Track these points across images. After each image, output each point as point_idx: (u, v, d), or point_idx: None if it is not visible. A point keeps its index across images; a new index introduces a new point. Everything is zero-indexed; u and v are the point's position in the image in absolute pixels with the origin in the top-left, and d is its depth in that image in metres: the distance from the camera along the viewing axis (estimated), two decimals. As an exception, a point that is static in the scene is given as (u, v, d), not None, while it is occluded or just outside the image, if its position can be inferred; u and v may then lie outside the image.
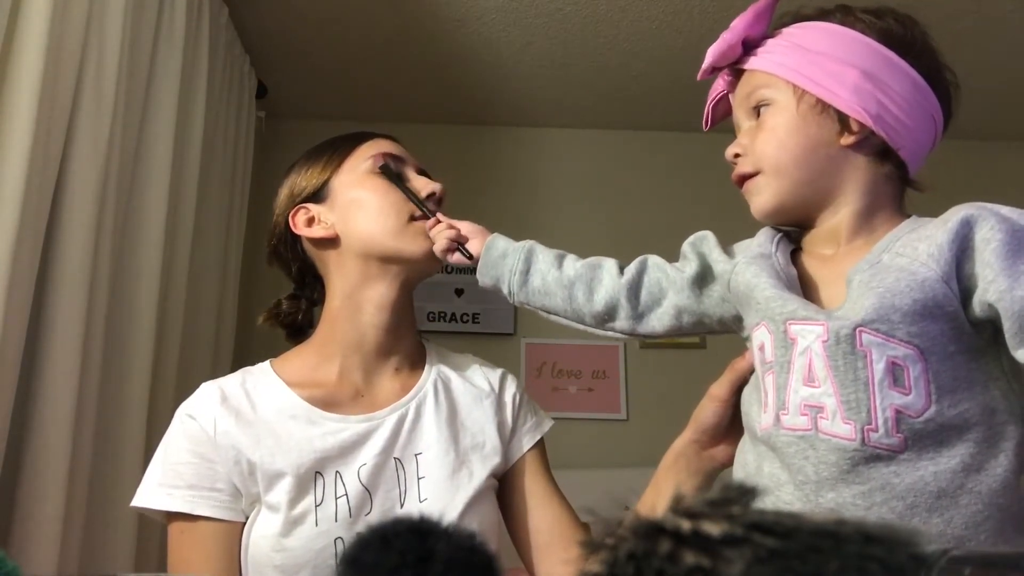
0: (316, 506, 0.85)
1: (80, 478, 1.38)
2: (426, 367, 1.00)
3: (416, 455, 0.92)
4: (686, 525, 0.28)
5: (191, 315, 1.90)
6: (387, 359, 0.97)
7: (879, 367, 0.63)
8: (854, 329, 0.64)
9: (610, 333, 0.84)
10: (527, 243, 0.88)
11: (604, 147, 3.00)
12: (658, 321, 0.82)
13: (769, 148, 0.74)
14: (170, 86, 1.76)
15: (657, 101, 2.77)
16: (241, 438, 0.86)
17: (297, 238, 0.99)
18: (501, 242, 0.89)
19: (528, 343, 2.79)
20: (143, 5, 1.63)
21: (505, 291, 0.87)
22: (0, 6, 1.20)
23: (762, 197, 0.75)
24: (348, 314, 0.95)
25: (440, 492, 0.90)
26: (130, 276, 1.62)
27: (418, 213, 0.95)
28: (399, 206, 0.95)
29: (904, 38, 0.73)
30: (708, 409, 0.83)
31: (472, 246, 0.90)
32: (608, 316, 0.83)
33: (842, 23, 0.73)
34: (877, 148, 0.72)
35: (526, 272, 0.86)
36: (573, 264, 0.85)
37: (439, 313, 2.77)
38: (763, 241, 0.78)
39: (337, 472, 0.87)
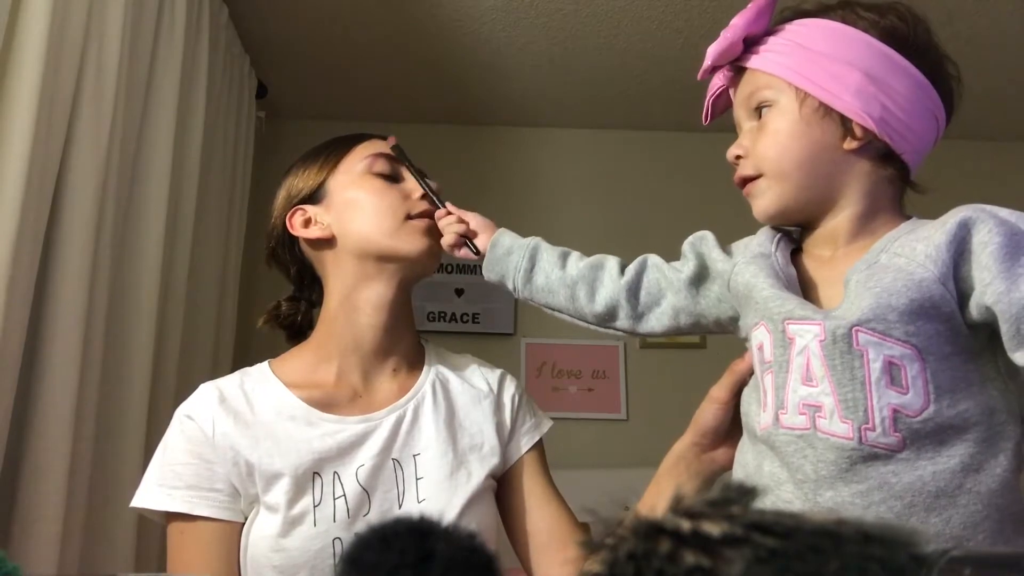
0: (314, 507, 0.85)
1: (80, 478, 1.38)
2: (424, 368, 1.00)
3: (414, 456, 0.92)
4: (686, 525, 0.28)
5: (191, 315, 1.90)
6: (385, 360, 0.97)
7: (876, 366, 0.63)
8: (850, 328, 0.64)
9: (611, 332, 0.85)
10: (532, 240, 0.88)
11: (604, 147, 3.00)
12: (657, 321, 0.82)
13: (771, 152, 0.73)
14: (170, 86, 1.76)
15: (657, 101, 2.77)
16: (239, 439, 0.86)
17: (295, 240, 0.99)
18: (507, 238, 0.89)
19: (528, 343, 2.79)
20: (143, 5, 1.63)
21: (510, 287, 0.88)
22: (0, 6, 1.20)
23: (764, 200, 0.75)
24: (346, 315, 0.95)
25: (438, 492, 0.90)
26: (130, 276, 1.62)
27: (414, 212, 0.95)
28: (395, 205, 0.95)
29: (907, 36, 0.72)
30: (708, 411, 0.83)
31: (479, 241, 0.90)
32: (609, 316, 0.83)
33: (844, 20, 0.72)
34: (879, 151, 0.72)
35: (530, 270, 0.86)
36: (576, 263, 0.85)
37: (439, 313, 2.77)
38: (763, 241, 0.78)
39: (335, 473, 0.87)
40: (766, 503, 0.31)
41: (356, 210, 0.95)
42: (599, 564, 0.29)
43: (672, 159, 2.97)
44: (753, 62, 0.76)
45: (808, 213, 0.75)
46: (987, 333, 0.64)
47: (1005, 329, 0.60)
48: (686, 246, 0.83)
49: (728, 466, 0.83)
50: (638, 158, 2.99)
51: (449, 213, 0.92)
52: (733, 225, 0.83)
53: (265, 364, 0.97)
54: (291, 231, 0.98)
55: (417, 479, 0.90)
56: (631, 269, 0.84)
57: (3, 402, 1.19)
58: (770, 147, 0.74)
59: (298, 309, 1.03)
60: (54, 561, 1.26)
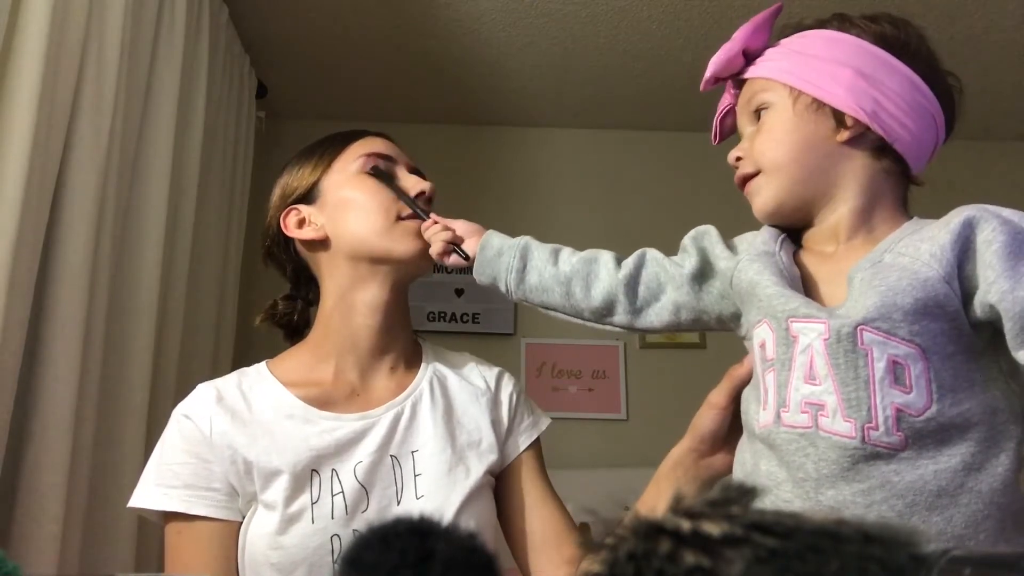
0: (312, 503, 0.85)
1: (80, 478, 1.38)
2: (422, 365, 1.00)
3: (413, 452, 0.92)
4: (686, 525, 0.28)
5: (191, 315, 1.91)
6: (382, 358, 0.97)
7: (880, 365, 0.63)
8: (855, 327, 0.64)
9: (608, 328, 0.85)
10: (522, 240, 0.88)
11: (604, 147, 3.00)
12: (656, 316, 0.82)
13: (767, 147, 0.76)
14: (170, 86, 1.76)
15: (657, 101, 2.77)
16: (237, 437, 0.86)
17: (290, 239, 0.99)
18: (496, 240, 0.88)
19: (528, 343, 2.79)
20: (143, 5, 1.63)
21: (503, 289, 0.87)
22: (0, 6, 1.20)
23: (762, 196, 0.77)
24: (341, 315, 0.95)
25: (437, 489, 0.90)
26: (130, 276, 1.62)
27: (406, 212, 0.94)
28: (387, 205, 0.94)
29: (899, 39, 0.74)
30: (706, 417, 0.83)
31: (468, 246, 0.89)
32: (606, 311, 0.83)
33: (838, 29, 0.76)
34: (874, 144, 0.73)
35: (522, 270, 0.86)
36: (569, 259, 0.85)
37: (439, 313, 2.77)
38: (767, 239, 0.78)
39: (333, 470, 0.87)
40: (765, 503, 0.31)
41: (349, 210, 0.95)
42: (599, 564, 0.29)
43: (672, 159, 2.98)
44: (751, 72, 0.79)
45: (805, 208, 0.76)
46: (990, 332, 0.65)
47: (1009, 327, 0.60)
48: (687, 240, 0.83)
49: (726, 472, 0.83)
50: (638, 158, 2.99)
51: (435, 223, 0.91)
52: (733, 225, 0.83)
53: (263, 364, 0.97)
54: (285, 232, 0.98)
55: (416, 475, 0.90)
56: (629, 262, 0.83)
57: (3, 402, 1.19)
58: (766, 143, 0.76)
59: (295, 308, 1.03)
60: (54, 561, 1.26)
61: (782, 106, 0.75)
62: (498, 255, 0.87)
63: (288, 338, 1.04)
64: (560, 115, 2.92)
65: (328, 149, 1.00)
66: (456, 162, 2.82)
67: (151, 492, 0.86)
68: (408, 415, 0.94)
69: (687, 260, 0.81)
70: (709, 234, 0.83)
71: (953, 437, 0.63)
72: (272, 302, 1.04)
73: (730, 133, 0.85)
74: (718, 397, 0.82)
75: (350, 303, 0.95)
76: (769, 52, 0.78)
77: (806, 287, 0.74)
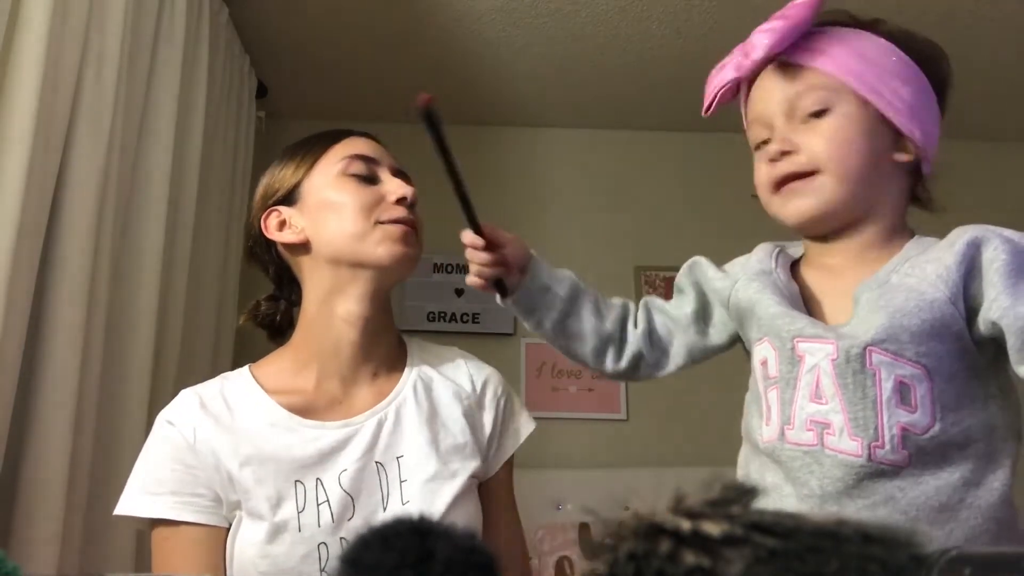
0: (299, 512, 0.85)
1: (80, 478, 1.38)
2: (406, 369, 0.98)
3: (398, 458, 0.91)
4: (686, 525, 0.28)
5: (191, 315, 1.90)
6: (364, 364, 0.95)
7: (887, 386, 0.64)
8: (864, 348, 0.65)
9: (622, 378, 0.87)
10: (568, 278, 0.84)
11: (604, 147, 3.00)
12: (673, 364, 0.84)
13: (839, 152, 0.71)
14: (170, 86, 1.76)
15: (657, 101, 2.77)
16: (220, 446, 0.86)
17: (271, 241, 0.97)
18: (544, 274, 0.83)
19: (528, 343, 2.78)
20: (143, 5, 1.63)
21: (531, 323, 0.84)
22: (0, 6, 1.20)
23: (811, 200, 0.72)
24: (323, 322, 0.94)
25: (422, 494, 0.89)
26: (130, 276, 1.62)
27: (384, 217, 0.92)
28: (367, 208, 0.92)
29: (944, 79, 0.75)
30: None
31: (511, 280, 0.83)
32: (631, 372, 0.85)
33: (904, 48, 0.74)
34: (911, 168, 0.74)
35: (568, 314, 0.83)
36: (609, 316, 0.84)
37: (439, 313, 2.77)
38: (762, 257, 0.78)
39: (318, 479, 0.87)
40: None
41: (328, 214, 0.93)
42: (600, 564, 0.29)
43: (672, 159, 2.97)
44: (818, 61, 0.73)
45: (844, 223, 0.74)
46: (992, 350, 0.66)
47: (1011, 342, 0.61)
48: (682, 279, 0.84)
49: None
50: (638, 158, 2.99)
51: (485, 246, 0.79)
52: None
53: (246, 369, 0.96)
54: (265, 234, 0.96)
55: (401, 481, 0.90)
56: (640, 317, 0.85)
57: (3, 402, 1.19)
58: (839, 148, 0.71)
59: (277, 308, 1.02)
60: (54, 561, 1.25)
61: (853, 112, 0.72)
62: (543, 290, 0.83)
63: (271, 339, 1.02)
64: (560, 115, 2.92)
65: (310, 150, 0.97)
66: (456, 162, 2.82)
67: (138, 499, 0.86)
68: (392, 420, 0.92)
69: (685, 302, 0.83)
70: (699, 264, 0.83)
71: (954, 454, 0.64)
72: (255, 302, 1.03)
73: (721, 106, 0.80)
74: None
75: (332, 308, 0.93)
76: (825, 41, 0.73)
77: (808, 304, 0.74)
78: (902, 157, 0.73)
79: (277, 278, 1.02)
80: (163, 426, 0.89)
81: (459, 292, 2.79)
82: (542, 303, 0.82)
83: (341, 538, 0.85)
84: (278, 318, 1.02)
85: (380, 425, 0.92)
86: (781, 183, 0.74)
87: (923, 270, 0.67)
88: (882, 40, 0.74)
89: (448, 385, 0.98)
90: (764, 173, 0.75)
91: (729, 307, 0.78)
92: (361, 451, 0.89)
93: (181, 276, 1.84)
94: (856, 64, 0.72)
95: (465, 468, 0.92)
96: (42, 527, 1.25)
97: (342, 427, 0.90)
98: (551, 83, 2.68)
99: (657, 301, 0.85)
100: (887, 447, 0.64)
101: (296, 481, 0.86)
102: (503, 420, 1.00)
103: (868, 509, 0.64)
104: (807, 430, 0.67)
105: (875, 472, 0.64)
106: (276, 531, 0.83)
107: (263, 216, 0.97)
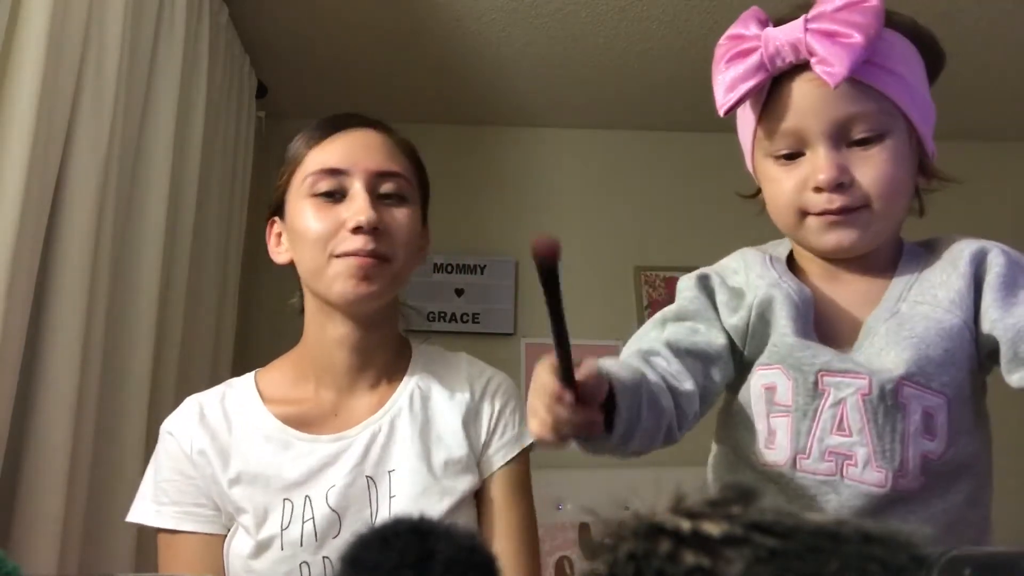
0: (282, 530, 0.85)
1: (80, 478, 1.38)
2: (404, 379, 0.96)
3: (389, 472, 0.89)
4: (686, 525, 0.28)
5: (191, 315, 1.90)
6: (362, 375, 0.94)
7: (915, 418, 0.64)
8: (897, 383, 0.65)
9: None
10: (641, 388, 0.67)
11: (604, 147, 3.00)
12: (714, 398, 0.75)
13: (889, 188, 0.67)
14: (170, 86, 1.75)
15: (657, 101, 2.77)
16: (214, 459, 0.88)
17: None
18: (624, 410, 0.67)
19: (528, 343, 2.78)
20: (143, 5, 1.63)
21: (590, 447, 0.71)
22: (0, 6, 1.20)
23: (857, 234, 0.68)
24: (316, 341, 0.93)
25: (412, 511, 0.87)
26: (130, 276, 1.62)
27: (338, 250, 0.85)
28: (324, 239, 0.85)
29: (934, 78, 0.74)
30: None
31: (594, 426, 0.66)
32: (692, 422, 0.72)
33: (915, 43, 0.70)
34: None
35: (634, 431, 0.70)
36: (665, 401, 0.71)
37: (439, 313, 2.77)
38: (761, 271, 0.74)
39: (307, 496, 0.86)
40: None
41: (297, 241, 0.90)
42: (600, 564, 0.29)
43: (672, 159, 2.97)
44: (876, 79, 0.65)
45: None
46: (990, 366, 0.67)
47: (1003, 352, 0.62)
48: (695, 302, 0.73)
49: None
50: (638, 158, 2.99)
51: (576, 397, 0.59)
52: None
53: (251, 376, 0.96)
54: (267, 243, 0.97)
55: (391, 497, 0.87)
56: (687, 384, 0.71)
57: (3, 402, 1.19)
58: (886, 185, 0.67)
59: None
60: (54, 561, 1.25)
61: (903, 143, 0.68)
62: (634, 422, 0.69)
63: None
64: (560, 115, 2.91)
65: (296, 153, 0.93)
66: (456, 162, 2.81)
67: (146, 508, 0.88)
68: (386, 432, 0.91)
69: (714, 333, 0.72)
70: (711, 278, 0.75)
71: (961, 475, 0.65)
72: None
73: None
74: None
75: (322, 333, 0.92)
76: (880, 55, 0.65)
77: (816, 318, 0.71)
78: (923, 183, 0.72)
79: None
80: (164, 436, 0.91)
81: (459, 292, 2.78)
82: (637, 430, 0.69)
83: (324, 557, 0.84)
84: None
85: (373, 437, 0.90)
86: (839, 214, 0.68)
87: (934, 296, 0.67)
88: (907, 41, 0.70)
89: (447, 394, 0.95)
90: (799, 196, 0.68)
91: (753, 311, 0.71)
92: (351, 465, 0.88)
93: (181, 276, 1.84)
94: (909, 85, 0.67)
95: (458, 486, 0.89)
96: (42, 527, 1.25)
97: (335, 440, 0.90)
98: (551, 83, 2.68)
99: (682, 341, 0.72)
100: (910, 476, 0.64)
101: (284, 499, 0.86)
102: (500, 427, 0.96)
103: None
104: (826, 460, 0.66)
105: (894, 499, 0.64)
106: (260, 548, 0.84)
107: (268, 226, 0.97)
